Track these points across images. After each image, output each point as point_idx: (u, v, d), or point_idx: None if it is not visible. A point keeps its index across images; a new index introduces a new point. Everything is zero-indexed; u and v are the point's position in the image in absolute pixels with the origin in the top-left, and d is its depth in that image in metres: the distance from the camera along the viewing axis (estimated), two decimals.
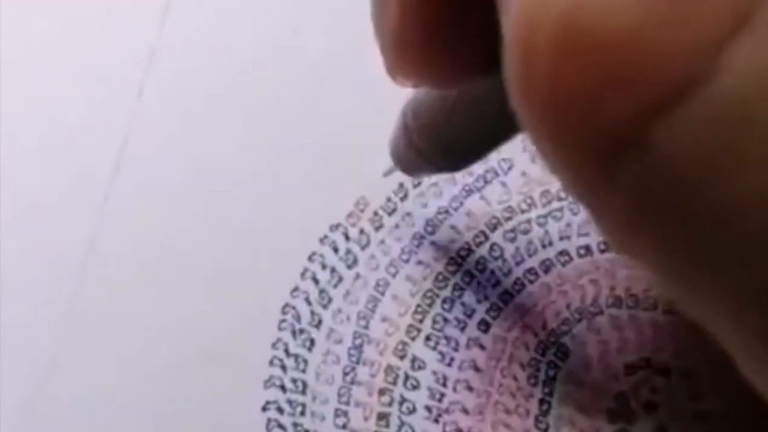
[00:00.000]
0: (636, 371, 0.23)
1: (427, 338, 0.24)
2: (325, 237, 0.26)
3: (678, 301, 0.12)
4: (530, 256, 0.25)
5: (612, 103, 0.10)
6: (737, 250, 0.10)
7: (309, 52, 0.27)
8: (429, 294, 0.25)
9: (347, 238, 0.26)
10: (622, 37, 0.10)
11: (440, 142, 0.21)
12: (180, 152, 0.27)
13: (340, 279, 0.25)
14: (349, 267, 0.25)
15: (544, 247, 0.25)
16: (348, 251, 0.25)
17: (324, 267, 0.25)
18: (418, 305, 0.25)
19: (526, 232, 0.25)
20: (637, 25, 0.10)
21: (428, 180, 0.25)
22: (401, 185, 0.25)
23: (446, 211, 0.25)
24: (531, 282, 0.25)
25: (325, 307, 0.25)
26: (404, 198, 0.25)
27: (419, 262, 0.25)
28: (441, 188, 0.25)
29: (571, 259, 0.24)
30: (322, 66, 0.27)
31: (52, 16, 0.29)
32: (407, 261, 0.25)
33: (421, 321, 0.25)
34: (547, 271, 0.24)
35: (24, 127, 0.28)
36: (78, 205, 0.27)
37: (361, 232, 0.26)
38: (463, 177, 0.25)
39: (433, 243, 0.25)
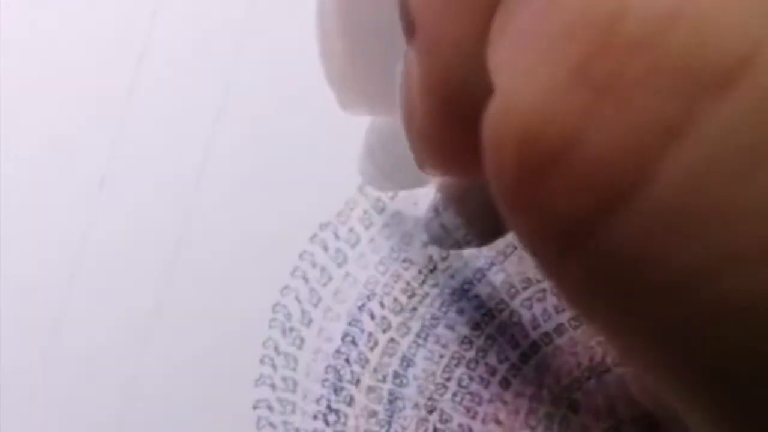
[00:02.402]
0: (641, 423, 0.26)
1: (417, 336, 0.26)
2: (315, 236, 0.26)
3: (639, 374, 0.14)
4: (545, 321, 0.27)
5: (562, 204, 0.12)
6: (674, 330, 0.11)
7: (298, 53, 0.27)
8: (456, 355, 0.27)
9: (337, 236, 0.26)
10: (567, 144, 0.11)
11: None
12: (169, 151, 0.27)
13: (330, 278, 0.26)
14: (339, 265, 0.26)
15: (557, 313, 0.27)
16: (338, 250, 0.26)
17: (314, 265, 0.26)
18: (414, 307, 0.27)
19: (541, 300, 0.28)
20: (580, 134, 0.11)
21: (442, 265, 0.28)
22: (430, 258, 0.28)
23: (471, 282, 0.28)
24: (546, 344, 0.27)
25: (315, 305, 0.26)
26: (433, 270, 0.28)
27: (405, 260, 0.26)
28: (467, 261, 0.28)
29: (582, 324, 0.27)
30: (313, 66, 0.26)
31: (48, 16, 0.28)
32: (397, 259, 0.26)
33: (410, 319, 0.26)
34: (560, 334, 0.27)
35: (17, 128, 0.27)
36: (70, 205, 0.27)
37: (351, 230, 0.26)
38: (487, 251, 0.28)
39: (460, 310, 0.28)
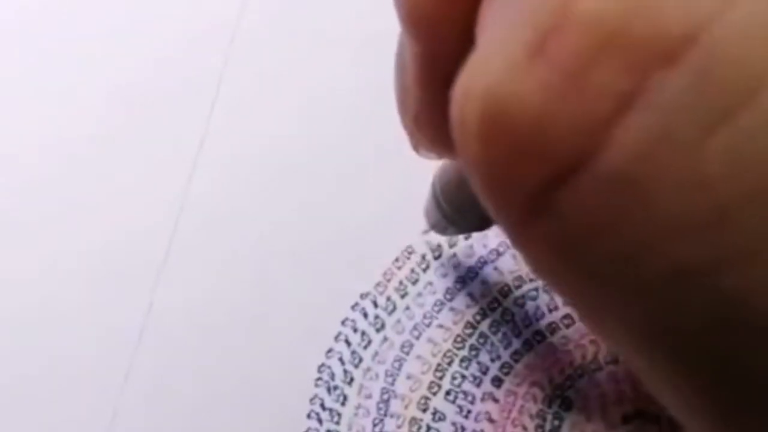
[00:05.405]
0: (631, 420, 0.27)
1: (447, 393, 0.28)
2: (356, 304, 0.29)
3: (600, 339, 0.14)
4: (538, 319, 0.28)
5: (522, 174, 0.12)
6: (630, 293, 0.11)
7: (346, 130, 0.31)
8: (448, 354, 0.28)
9: (376, 305, 0.29)
10: (526, 118, 0.11)
11: (459, 206, 0.24)
12: (228, 226, 0.30)
13: (370, 341, 0.28)
14: (378, 330, 0.28)
15: (550, 311, 0.28)
16: (376, 317, 0.29)
17: (355, 331, 0.28)
18: (439, 364, 0.28)
19: (534, 298, 0.28)
20: (538, 108, 0.11)
21: (448, 253, 0.29)
22: (423, 257, 0.29)
23: (463, 281, 0.29)
24: (539, 342, 0.28)
25: (356, 366, 0.28)
26: (426, 269, 0.29)
27: (440, 326, 0.28)
28: (459, 260, 0.29)
29: (574, 322, 0.28)
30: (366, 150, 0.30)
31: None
32: (429, 325, 0.28)
33: (441, 378, 0.28)
34: (552, 332, 0.28)
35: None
36: (133, 278, 0.29)
37: (388, 299, 0.29)
38: (480, 249, 0.28)
39: (452, 308, 0.28)
